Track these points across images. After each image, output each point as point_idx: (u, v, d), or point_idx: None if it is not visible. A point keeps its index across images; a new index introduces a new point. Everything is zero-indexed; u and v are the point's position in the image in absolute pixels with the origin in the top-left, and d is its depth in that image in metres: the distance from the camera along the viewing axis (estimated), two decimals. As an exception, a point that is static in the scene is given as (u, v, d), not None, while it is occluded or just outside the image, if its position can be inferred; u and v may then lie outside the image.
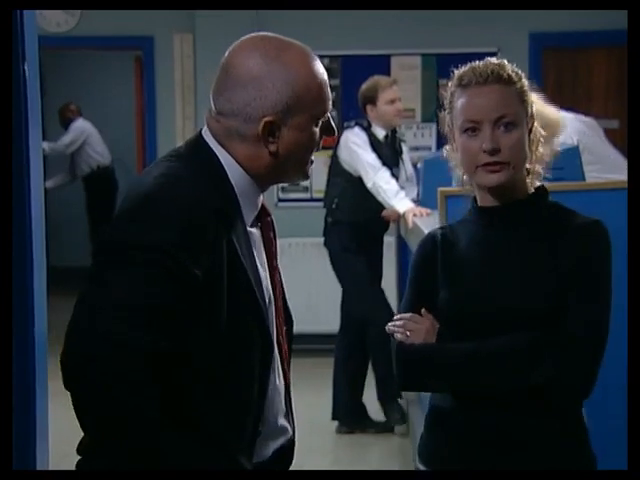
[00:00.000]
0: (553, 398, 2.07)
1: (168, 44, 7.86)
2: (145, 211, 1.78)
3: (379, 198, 5.38)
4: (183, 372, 1.77)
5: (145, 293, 1.71)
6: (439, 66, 7.68)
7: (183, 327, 1.75)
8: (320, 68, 1.91)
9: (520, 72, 2.19)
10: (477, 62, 2.18)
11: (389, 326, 2.20)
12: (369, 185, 5.39)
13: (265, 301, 1.88)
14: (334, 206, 5.58)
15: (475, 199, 2.21)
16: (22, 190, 1.99)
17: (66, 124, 9.99)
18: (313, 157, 1.95)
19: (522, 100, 2.15)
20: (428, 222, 4.65)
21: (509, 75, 2.14)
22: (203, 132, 1.92)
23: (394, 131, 5.70)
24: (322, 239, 5.75)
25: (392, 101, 5.53)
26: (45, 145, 9.90)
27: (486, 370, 2.07)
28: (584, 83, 7.76)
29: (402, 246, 5.93)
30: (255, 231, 1.92)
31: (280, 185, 7.70)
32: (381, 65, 7.48)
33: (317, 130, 1.91)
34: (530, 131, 2.17)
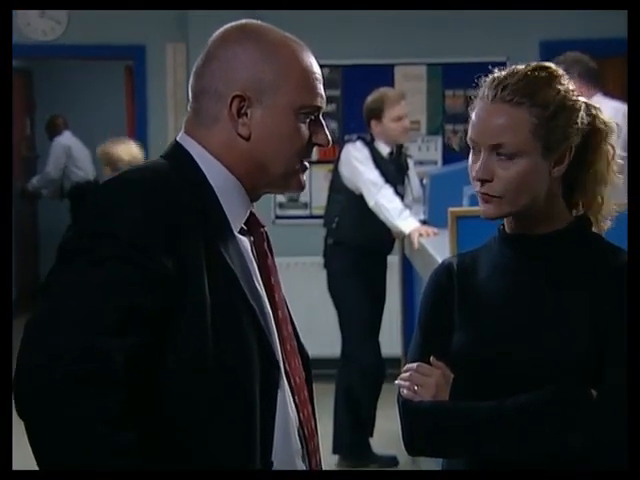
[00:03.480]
0: (584, 467, 1.85)
1: (160, 54, 7.86)
2: (105, 198, 1.65)
3: (382, 217, 5.31)
4: (166, 390, 1.60)
5: (110, 290, 1.54)
6: (445, 76, 7.69)
7: (160, 331, 1.58)
8: (310, 58, 1.77)
9: (568, 90, 1.92)
10: (513, 68, 1.94)
11: (396, 381, 1.98)
12: (371, 204, 5.32)
13: (264, 313, 1.72)
14: (334, 225, 5.52)
15: (503, 224, 2.00)
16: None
17: (51, 138, 10.12)
18: (307, 163, 1.79)
19: (545, 127, 1.89)
20: (436, 243, 4.62)
21: (532, 94, 1.89)
22: (178, 137, 1.79)
23: (400, 147, 5.64)
24: (322, 258, 5.72)
25: (399, 118, 5.45)
26: (34, 180, 10.09)
27: (508, 435, 1.86)
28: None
29: (406, 266, 5.91)
30: (244, 239, 1.76)
31: (278, 201, 7.70)
32: (384, 75, 7.48)
33: (302, 126, 1.74)
34: (556, 165, 1.92)
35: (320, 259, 5.77)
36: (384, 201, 5.29)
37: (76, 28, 7.88)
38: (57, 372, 1.50)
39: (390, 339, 6.26)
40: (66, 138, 10.15)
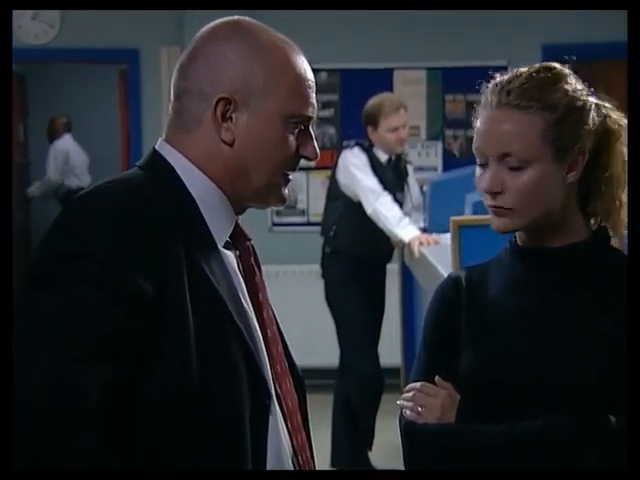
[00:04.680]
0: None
1: (155, 57, 7.86)
2: (75, 215, 1.55)
3: (380, 225, 5.27)
4: (148, 422, 1.50)
5: (83, 317, 1.45)
6: (445, 81, 7.68)
7: (139, 359, 1.48)
8: (304, 63, 1.67)
9: (575, 92, 1.83)
10: (515, 71, 1.85)
11: (398, 401, 1.87)
12: (369, 211, 5.28)
13: (252, 334, 1.62)
14: (332, 234, 5.48)
15: (515, 235, 1.89)
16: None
17: (51, 141, 10.08)
18: (291, 176, 1.69)
19: (558, 132, 1.80)
20: (437, 252, 4.59)
21: (541, 98, 1.80)
22: (157, 144, 1.70)
23: (399, 153, 5.58)
24: (319, 267, 5.71)
25: (395, 128, 5.38)
26: (34, 188, 10.00)
27: (519, 461, 1.74)
28: (602, 99, 7.75)
29: (406, 275, 5.90)
30: (230, 254, 1.67)
31: (275, 208, 7.69)
32: (383, 80, 7.47)
33: (290, 136, 1.65)
34: (571, 170, 1.82)
35: (317, 267, 5.76)
36: (382, 209, 5.25)
37: (69, 31, 7.87)
38: (27, 408, 1.40)
39: (390, 348, 6.25)
40: (65, 142, 10.11)
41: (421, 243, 5.01)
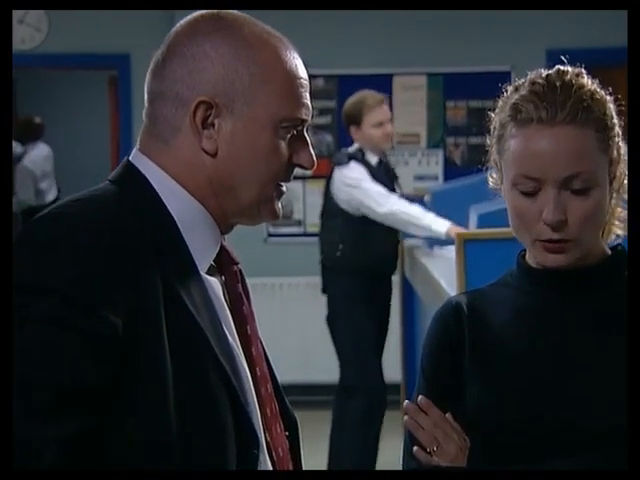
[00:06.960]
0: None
1: (146, 62, 7.79)
2: (32, 241, 1.39)
3: (399, 223, 5.22)
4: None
5: (41, 360, 1.29)
6: (446, 86, 7.68)
7: (108, 410, 1.33)
8: (295, 59, 1.53)
9: (602, 93, 1.67)
10: (539, 76, 1.68)
11: (404, 419, 1.72)
12: (383, 211, 5.21)
13: (239, 376, 1.47)
14: (339, 254, 5.38)
15: (523, 255, 1.73)
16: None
17: (26, 141, 9.66)
18: (284, 187, 1.54)
19: (607, 141, 1.65)
20: (439, 265, 4.54)
21: (588, 106, 1.62)
22: (131, 155, 1.54)
23: (384, 155, 5.58)
24: (317, 278, 5.67)
25: (380, 123, 5.37)
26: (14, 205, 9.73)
27: None
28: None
29: (407, 287, 5.90)
30: (214, 280, 1.51)
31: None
32: (382, 85, 7.44)
33: (282, 143, 1.50)
34: (614, 178, 1.67)
35: (313, 279, 5.75)
36: (400, 206, 5.21)
37: (57, 36, 7.88)
38: None
39: (389, 363, 6.24)
40: (32, 159, 9.55)
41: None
